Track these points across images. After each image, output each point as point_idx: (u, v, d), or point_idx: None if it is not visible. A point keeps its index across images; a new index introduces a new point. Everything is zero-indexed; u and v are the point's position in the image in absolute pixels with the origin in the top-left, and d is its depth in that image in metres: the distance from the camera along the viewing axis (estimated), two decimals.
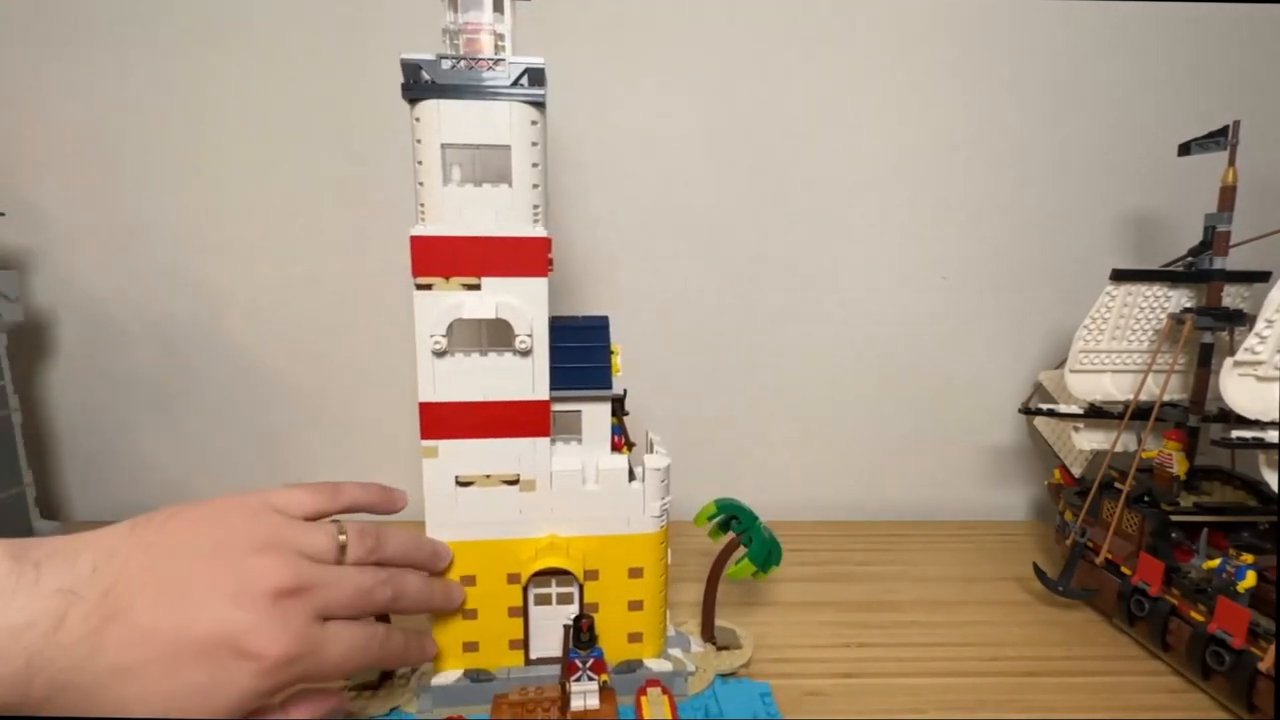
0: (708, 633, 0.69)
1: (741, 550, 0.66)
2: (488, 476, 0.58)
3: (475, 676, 0.60)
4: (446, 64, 0.53)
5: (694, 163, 0.95)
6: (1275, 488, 0.64)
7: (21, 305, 0.85)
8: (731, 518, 0.67)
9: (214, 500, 0.48)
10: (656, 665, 0.62)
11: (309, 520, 0.51)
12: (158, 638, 0.39)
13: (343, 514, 0.55)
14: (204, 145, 0.93)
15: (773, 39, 0.92)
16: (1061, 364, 0.85)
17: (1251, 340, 0.65)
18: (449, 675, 0.60)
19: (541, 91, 0.53)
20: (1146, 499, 0.74)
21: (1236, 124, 0.72)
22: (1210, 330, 0.75)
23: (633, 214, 0.96)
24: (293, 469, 1.02)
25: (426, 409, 0.57)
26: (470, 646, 0.61)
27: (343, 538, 0.50)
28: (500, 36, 0.53)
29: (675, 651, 0.65)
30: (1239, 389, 0.66)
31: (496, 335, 0.56)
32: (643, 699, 0.58)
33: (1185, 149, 0.77)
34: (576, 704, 0.56)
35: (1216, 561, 0.65)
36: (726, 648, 0.68)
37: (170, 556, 0.42)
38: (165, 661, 0.39)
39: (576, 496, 0.59)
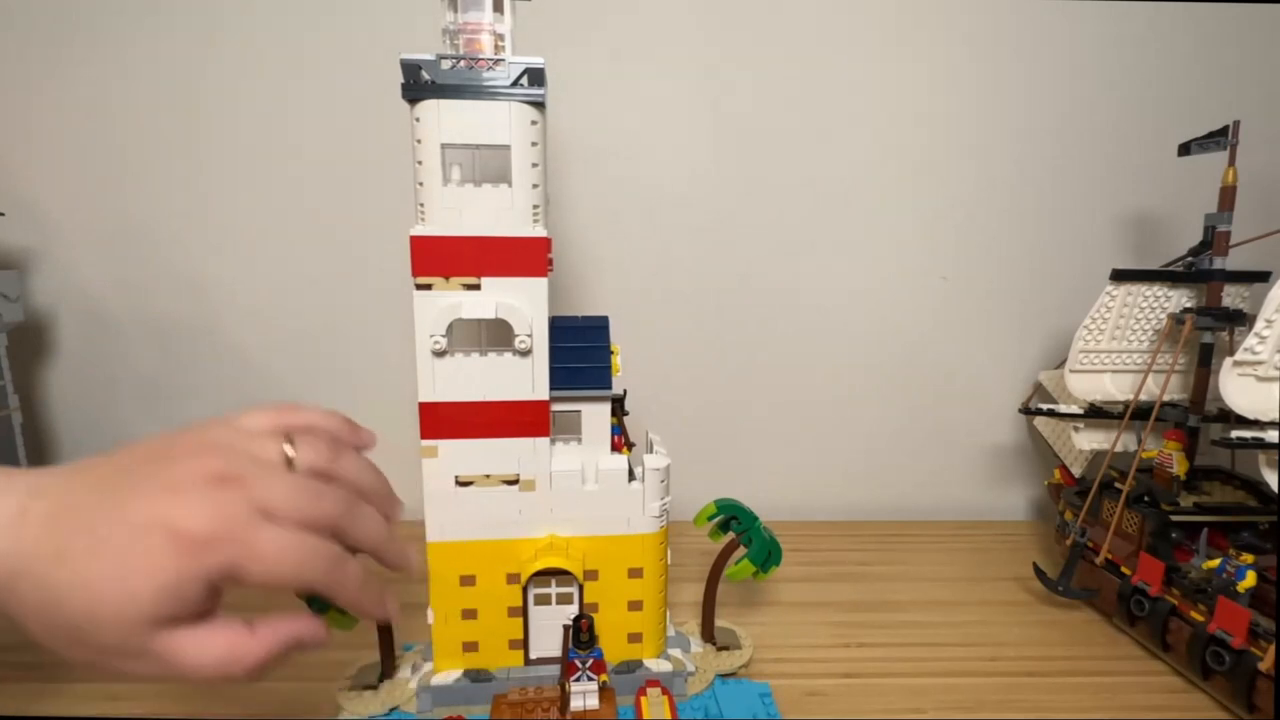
0: (708, 633, 0.69)
1: (741, 551, 0.66)
2: (487, 476, 0.58)
3: (475, 676, 0.60)
4: (446, 64, 0.53)
5: (695, 164, 0.95)
6: (1275, 488, 0.64)
7: (21, 305, 0.85)
8: (731, 518, 0.67)
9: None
10: (656, 665, 0.62)
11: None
12: (94, 524, 0.39)
13: None
14: (204, 145, 0.93)
15: (773, 39, 0.92)
16: (1061, 364, 0.85)
17: (1251, 340, 0.65)
18: (449, 675, 0.61)
19: (541, 91, 0.53)
20: (1146, 499, 0.74)
21: (1236, 124, 0.72)
22: (1210, 330, 0.75)
23: (634, 215, 0.96)
24: None
25: (426, 409, 0.57)
26: (470, 646, 0.61)
27: (289, 448, 0.46)
28: (500, 36, 0.53)
29: (675, 652, 0.65)
30: (1239, 389, 0.66)
31: (496, 335, 0.56)
32: (642, 699, 0.58)
33: (1185, 149, 0.77)
34: (576, 704, 0.56)
35: (1216, 561, 0.65)
36: (726, 648, 0.68)
37: (124, 460, 0.43)
38: (96, 544, 0.38)
39: (576, 496, 0.59)
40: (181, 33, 0.90)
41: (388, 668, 0.63)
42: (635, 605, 0.61)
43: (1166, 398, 0.77)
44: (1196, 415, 0.76)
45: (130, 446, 0.44)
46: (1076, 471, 0.86)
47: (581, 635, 0.57)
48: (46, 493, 0.40)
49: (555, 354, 0.58)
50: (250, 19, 0.90)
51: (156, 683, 0.50)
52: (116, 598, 0.38)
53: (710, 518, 0.67)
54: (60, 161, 0.93)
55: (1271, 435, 0.64)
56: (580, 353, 0.58)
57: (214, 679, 0.41)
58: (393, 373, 0.96)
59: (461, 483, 0.58)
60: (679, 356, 0.99)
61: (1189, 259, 0.77)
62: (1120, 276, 0.78)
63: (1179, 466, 0.74)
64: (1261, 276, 0.77)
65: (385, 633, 0.62)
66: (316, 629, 0.45)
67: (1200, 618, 0.64)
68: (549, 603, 0.61)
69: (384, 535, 0.49)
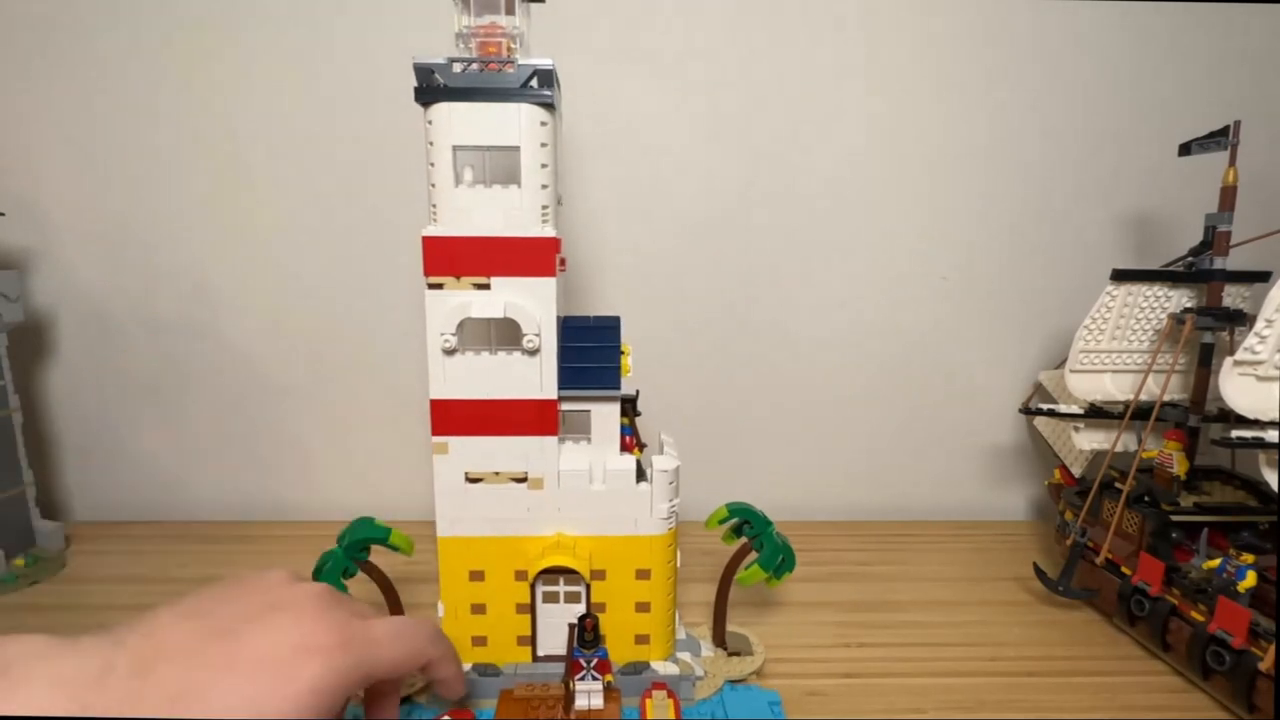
0: (719, 637, 0.69)
1: (753, 555, 0.66)
2: (496, 474, 0.58)
3: (483, 671, 0.61)
4: (458, 67, 0.53)
5: (701, 166, 0.95)
6: (1275, 488, 0.64)
7: (21, 305, 0.85)
8: (744, 522, 0.67)
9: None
10: (663, 668, 0.62)
11: None
12: (207, 662, 0.40)
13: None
14: (205, 145, 0.93)
15: (775, 40, 0.92)
16: (1061, 364, 0.85)
17: (1251, 340, 0.65)
18: None
19: (550, 93, 0.53)
20: (1146, 499, 0.75)
21: (1237, 124, 0.73)
22: (1210, 330, 0.75)
23: (642, 216, 0.96)
24: (292, 469, 1.02)
25: (437, 405, 0.57)
26: (479, 641, 0.61)
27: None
28: (513, 39, 0.54)
29: (684, 655, 0.65)
30: (1239, 389, 0.66)
31: (505, 334, 0.57)
32: (647, 702, 0.58)
33: (1185, 149, 0.77)
34: (581, 703, 0.56)
35: (1216, 561, 0.65)
36: (738, 653, 0.67)
37: (203, 604, 0.44)
38: (221, 679, 0.39)
39: (584, 496, 0.59)
40: (183, 32, 0.90)
41: None
42: (643, 607, 0.61)
43: (1167, 398, 0.77)
44: (1197, 415, 0.77)
45: (194, 596, 0.45)
46: (1076, 471, 0.87)
47: (586, 634, 0.57)
48: (124, 640, 0.40)
49: (565, 353, 0.58)
50: (254, 20, 0.90)
51: None
52: (277, 711, 0.39)
53: (722, 521, 0.68)
54: (60, 161, 0.93)
55: (1271, 435, 0.64)
56: (590, 352, 0.58)
57: None
58: (394, 374, 0.97)
59: (471, 479, 0.58)
60: (679, 356, 1.00)
61: (1189, 259, 0.77)
62: (1120, 276, 0.79)
63: (1179, 466, 0.74)
64: (1262, 276, 0.77)
65: None
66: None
67: (1200, 618, 0.64)
68: (557, 600, 0.61)
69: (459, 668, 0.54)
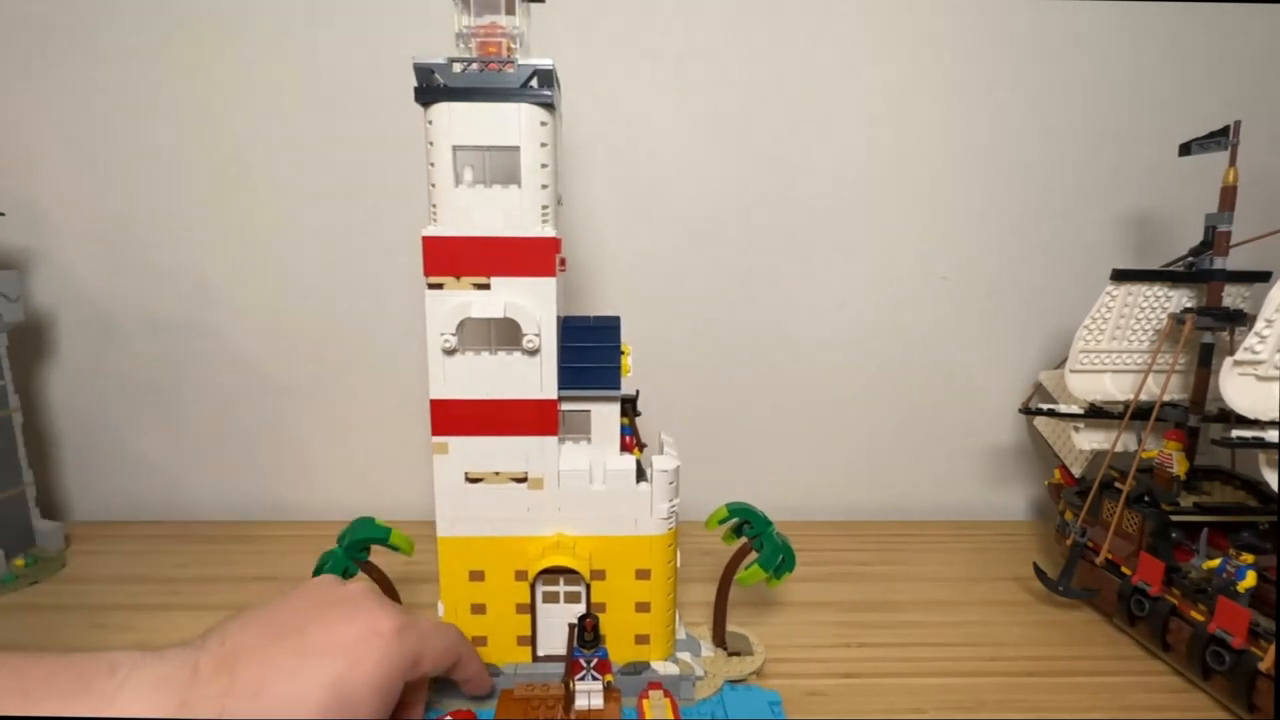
0: (719, 638, 0.68)
1: (753, 555, 0.66)
2: (496, 474, 0.59)
3: None
4: (458, 67, 0.53)
5: (701, 166, 0.95)
6: (1275, 488, 0.64)
7: (21, 305, 0.85)
8: (745, 522, 0.67)
9: None
10: (663, 668, 0.62)
11: None
12: (279, 656, 0.44)
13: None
14: (205, 145, 0.93)
15: (774, 40, 0.92)
16: (1061, 364, 0.85)
17: (1251, 340, 0.65)
18: None
19: (549, 93, 0.53)
20: (1146, 499, 0.75)
21: (1237, 124, 0.73)
22: (1210, 330, 0.75)
23: (642, 216, 0.96)
24: (292, 469, 1.02)
25: (437, 405, 0.57)
26: (479, 640, 0.61)
27: None
28: (513, 39, 0.54)
29: (684, 655, 0.65)
30: (1239, 389, 0.66)
31: (505, 334, 0.57)
32: (644, 702, 0.58)
33: (1185, 149, 0.77)
34: (580, 703, 0.56)
35: (1216, 561, 0.65)
36: (738, 653, 0.67)
37: (265, 612, 0.48)
38: (296, 668, 0.43)
39: (583, 496, 0.59)
40: (183, 32, 0.90)
41: None
42: (643, 607, 0.61)
43: (1166, 398, 0.77)
44: (1196, 415, 0.77)
45: (256, 607, 0.49)
46: (1076, 471, 0.87)
47: (585, 634, 0.57)
48: (203, 645, 0.44)
49: (565, 353, 0.58)
50: (254, 20, 0.90)
51: None
52: (357, 686, 0.44)
53: (722, 521, 0.68)
54: (60, 161, 0.93)
55: (1271, 435, 0.64)
56: (590, 352, 0.58)
57: None
58: (394, 374, 0.97)
59: (471, 479, 0.58)
60: (679, 356, 1.00)
61: (1189, 259, 0.77)
62: (1120, 276, 0.79)
63: (1179, 466, 0.74)
64: (1262, 276, 0.77)
65: None
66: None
67: (1200, 618, 0.64)
68: (557, 600, 0.61)
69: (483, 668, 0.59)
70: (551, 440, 0.58)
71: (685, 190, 0.96)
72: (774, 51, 0.93)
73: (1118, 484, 0.77)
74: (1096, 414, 0.83)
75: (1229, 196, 0.73)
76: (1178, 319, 0.77)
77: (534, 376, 0.57)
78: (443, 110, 0.53)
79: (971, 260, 0.99)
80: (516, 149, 0.54)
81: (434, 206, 0.55)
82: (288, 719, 0.41)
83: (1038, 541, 0.95)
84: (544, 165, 0.55)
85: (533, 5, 0.56)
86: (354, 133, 0.92)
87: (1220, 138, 0.74)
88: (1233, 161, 0.73)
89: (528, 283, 0.56)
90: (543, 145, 0.54)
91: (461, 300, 0.55)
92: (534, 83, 0.53)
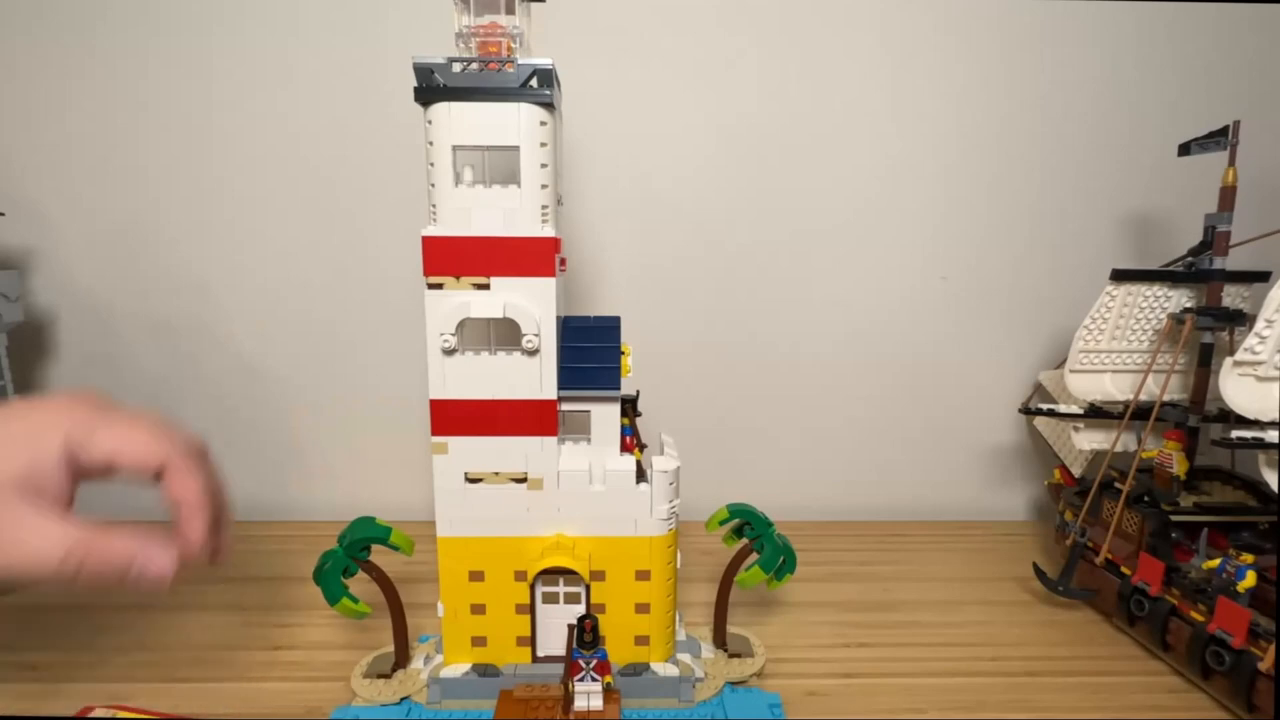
0: (719, 639, 0.68)
1: (753, 556, 0.66)
2: (496, 474, 0.58)
3: (483, 671, 0.61)
4: (457, 66, 0.53)
5: (702, 168, 0.95)
6: (1275, 488, 0.64)
7: (21, 305, 0.85)
8: (745, 523, 0.67)
9: None
10: (663, 669, 0.62)
11: None
12: None
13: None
14: (205, 145, 0.93)
15: (775, 41, 0.93)
16: (1061, 364, 0.85)
17: (1251, 340, 0.65)
18: (457, 668, 0.61)
19: (549, 92, 0.53)
20: (1146, 499, 0.75)
21: (1236, 124, 0.73)
22: (1210, 330, 0.75)
23: (642, 216, 0.96)
24: (292, 469, 1.02)
25: (437, 406, 0.57)
26: (479, 641, 0.61)
27: None
28: (513, 38, 0.54)
29: (684, 656, 0.65)
30: (1239, 389, 0.67)
31: (505, 334, 0.57)
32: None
33: (1185, 149, 0.77)
34: (580, 704, 0.56)
35: (1216, 561, 0.65)
36: (738, 655, 0.67)
37: None
38: None
39: (583, 497, 0.59)
40: (184, 32, 0.90)
41: (401, 658, 0.64)
42: (642, 608, 0.61)
43: (1166, 398, 0.77)
44: (1196, 415, 0.77)
45: None
46: (1076, 471, 0.87)
47: (585, 635, 0.57)
48: None
49: (565, 354, 0.58)
50: (255, 20, 0.90)
51: None
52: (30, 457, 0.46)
53: (722, 522, 0.67)
54: (60, 161, 0.93)
55: (1271, 435, 0.64)
56: (590, 353, 0.58)
57: (39, 567, 0.45)
58: (393, 374, 0.96)
59: (471, 479, 0.58)
60: (679, 356, 0.99)
61: (1189, 259, 0.77)
62: (1120, 276, 0.79)
63: (1179, 466, 0.74)
64: (1261, 276, 0.78)
65: (400, 623, 0.63)
66: (161, 561, 0.52)
67: (1200, 618, 0.64)
68: (556, 601, 0.61)
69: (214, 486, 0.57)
70: (551, 440, 0.58)
71: (686, 190, 0.96)
72: (775, 53, 0.93)
73: (1118, 484, 0.77)
74: (1096, 414, 0.83)
75: (1228, 196, 0.73)
76: (1177, 319, 0.77)
77: (534, 377, 0.57)
78: (442, 110, 0.53)
79: (971, 261, 0.99)
80: (516, 149, 0.54)
81: (434, 206, 0.55)
82: None
83: (1038, 541, 0.95)
84: (544, 165, 0.55)
85: (533, 5, 0.56)
86: (354, 133, 0.92)
87: (1220, 138, 0.74)
88: (1232, 161, 0.73)
89: (527, 283, 0.56)
90: (542, 145, 0.54)
91: (461, 300, 0.55)
92: (534, 82, 0.53)
